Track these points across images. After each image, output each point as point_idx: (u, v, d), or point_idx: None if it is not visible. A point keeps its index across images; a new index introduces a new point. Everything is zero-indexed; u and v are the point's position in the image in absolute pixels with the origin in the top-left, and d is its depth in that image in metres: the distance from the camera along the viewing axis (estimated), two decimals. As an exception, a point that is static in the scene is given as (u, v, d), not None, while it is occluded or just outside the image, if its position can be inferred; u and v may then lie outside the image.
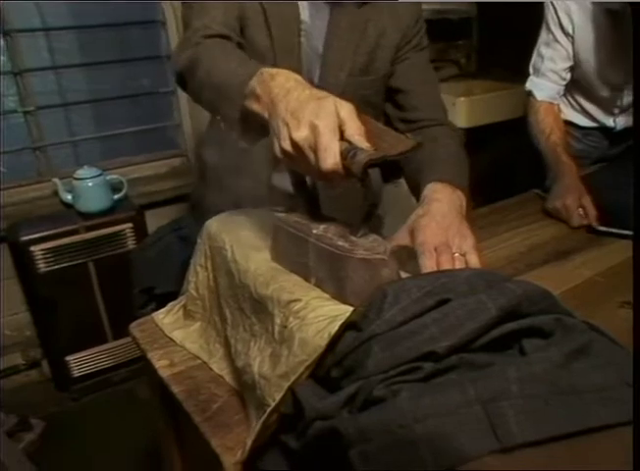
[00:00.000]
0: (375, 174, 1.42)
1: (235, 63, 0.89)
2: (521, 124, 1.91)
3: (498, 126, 2.65)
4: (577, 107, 1.87)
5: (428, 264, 0.88)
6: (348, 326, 0.64)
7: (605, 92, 1.78)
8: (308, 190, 0.83)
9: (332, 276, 0.75)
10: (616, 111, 1.83)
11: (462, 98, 2.75)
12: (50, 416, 2.13)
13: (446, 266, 0.87)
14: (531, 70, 1.79)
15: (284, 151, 0.73)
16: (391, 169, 1.26)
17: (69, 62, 2.33)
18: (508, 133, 2.25)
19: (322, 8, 1.20)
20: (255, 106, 0.80)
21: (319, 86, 1.20)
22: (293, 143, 0.71)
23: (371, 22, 1.22)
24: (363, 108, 1.25)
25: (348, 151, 0.69)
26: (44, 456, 1.93)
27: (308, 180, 0.83)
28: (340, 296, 0.74)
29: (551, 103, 1.77)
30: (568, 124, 1.86)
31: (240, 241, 0.93)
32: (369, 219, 0.81)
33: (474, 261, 0.91)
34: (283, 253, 0.84)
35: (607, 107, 1.84)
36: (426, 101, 1.30)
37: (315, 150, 0.69)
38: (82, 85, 2.40)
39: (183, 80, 1.01)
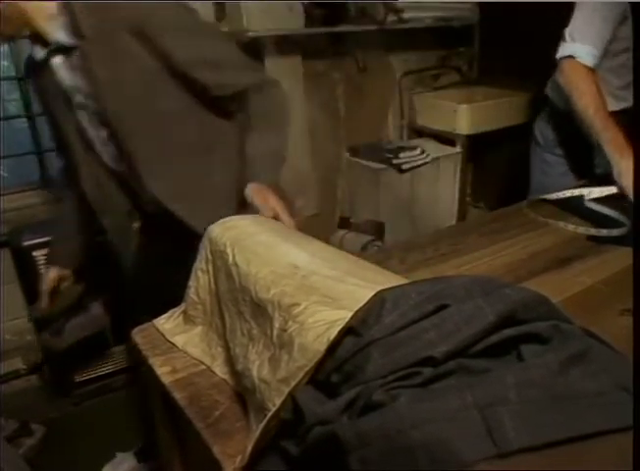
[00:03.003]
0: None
1: None
2: (522, 130, 1.93)
3: (499, 132, 2.66)
4: (604, 88, 1.83)
5: None
6: (348, 331, 0.64)
7: (629, 55, 1.83)
8: None
9: None
10: (630, 79, 1.88)
11: (464, 105, 2.77)
12: (51, 421, 2.13)
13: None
14: (575, 36, 1.75)
15: None
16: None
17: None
18: (510, 140, 2.25)
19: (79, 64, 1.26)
20: None
21: (124, 131, 1.30)
22: None
23: (124, 53, 1.24)
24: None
25: None
26: (44, 462, 1.93)
27: None
28: None
29: (593, 72, 1.75)
30: None
31: (242, 245, 0.93)
32: None
33: None
34: None
35: (628, 77, 1.88)
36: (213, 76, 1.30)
37: None
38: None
39: None
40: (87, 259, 1.64)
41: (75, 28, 1.20)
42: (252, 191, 1.21)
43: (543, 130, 2.07)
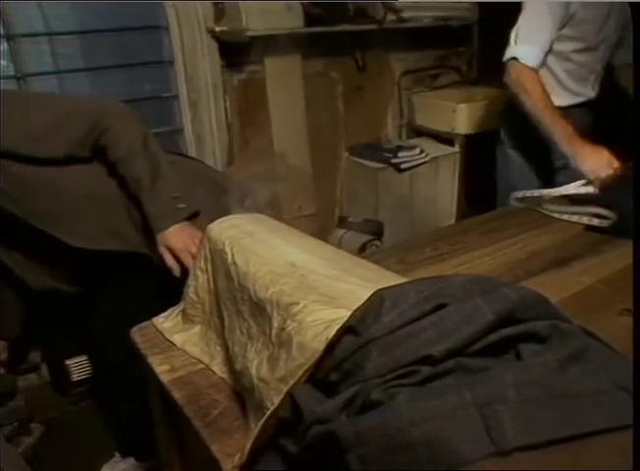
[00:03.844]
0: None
1: None
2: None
3: (498, 132, 2.65)
4: (556, 87, 1.96)
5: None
6: (346, 330, 0.64)
7: (584, 56, 1.93)
8: None
9: None
10: (592, 77, 1.99)
11: (463, 105, 2.76)
12: (49, 420, 2.13)
13: None
14: (518, 38, 1.84)
15: None
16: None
17: (72, 66, 2.34)
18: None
19: None
20: None
21: None
22: None
23: None
24: None
25: None
26: (43, 460, 1.93)
27: None
28: None
29: (537, 71, 1.84)
30: None
31: (241, 244, 0.93)
32: None
33: None
34: None
35: (584, 74, 1.98)
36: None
37: None
38: (85, 90, 2.41)
39: None
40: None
41: None
42: (161, 245, 1.30)
43: (505, 127, 2.13)
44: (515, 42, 1.84)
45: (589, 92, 2.02)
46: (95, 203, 1.40)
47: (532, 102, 1.80)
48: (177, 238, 1.28)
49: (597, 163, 1.61)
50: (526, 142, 2.04)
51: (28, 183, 1.32)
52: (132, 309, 1.24)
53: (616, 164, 1.58)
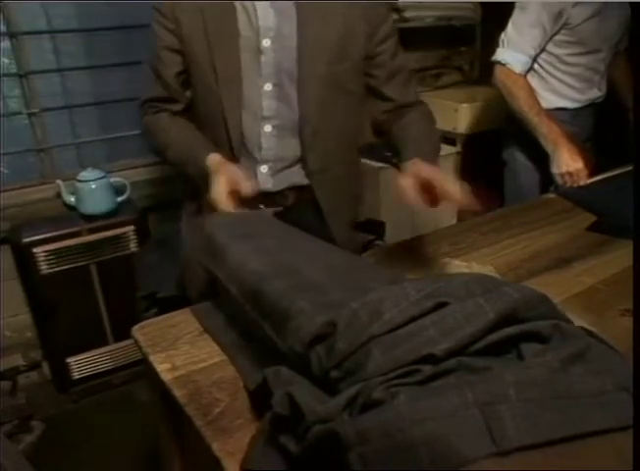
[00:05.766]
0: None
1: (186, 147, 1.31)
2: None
3: (500, 132, 2.65)
4: (564, 90, 2.00)
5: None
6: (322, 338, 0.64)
7: (587, 58, 1.96)
8: None
9: None
10: (597, 78, 2.02)
11: (465, 105, 2.76)
12: (50, 418, 2.13)
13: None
14: (506, 43, 1.90)
15: None
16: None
17: (74, 64, 2.34)
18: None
19: (287, 10, 1.27)
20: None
21: (300, 80, 1.30)
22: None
23: (336, 13, 1.29)
24: (342, 96, 1.37)
25: None
26: (44, 458, 1.93)
27: None
28: None
29: (524, 76, 1.91)
30: (557, 110, 2.00)
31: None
32: None
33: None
34: None
35: (588, 76, 2.01)
36: (399, 90, 1.42)
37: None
38: (87, 88, 2.41)
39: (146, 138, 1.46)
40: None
41: None
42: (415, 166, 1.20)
43: (511, 130, 2.15)
44: (504, 46, 1.90)
45: (595, 93, 2.05)
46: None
47: (517, 104, 1.87)
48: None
49: (567, 169, 1.72)
50: (532, 145, 2.06)
51: None
52: None
53: (585, 175, 1.71)
